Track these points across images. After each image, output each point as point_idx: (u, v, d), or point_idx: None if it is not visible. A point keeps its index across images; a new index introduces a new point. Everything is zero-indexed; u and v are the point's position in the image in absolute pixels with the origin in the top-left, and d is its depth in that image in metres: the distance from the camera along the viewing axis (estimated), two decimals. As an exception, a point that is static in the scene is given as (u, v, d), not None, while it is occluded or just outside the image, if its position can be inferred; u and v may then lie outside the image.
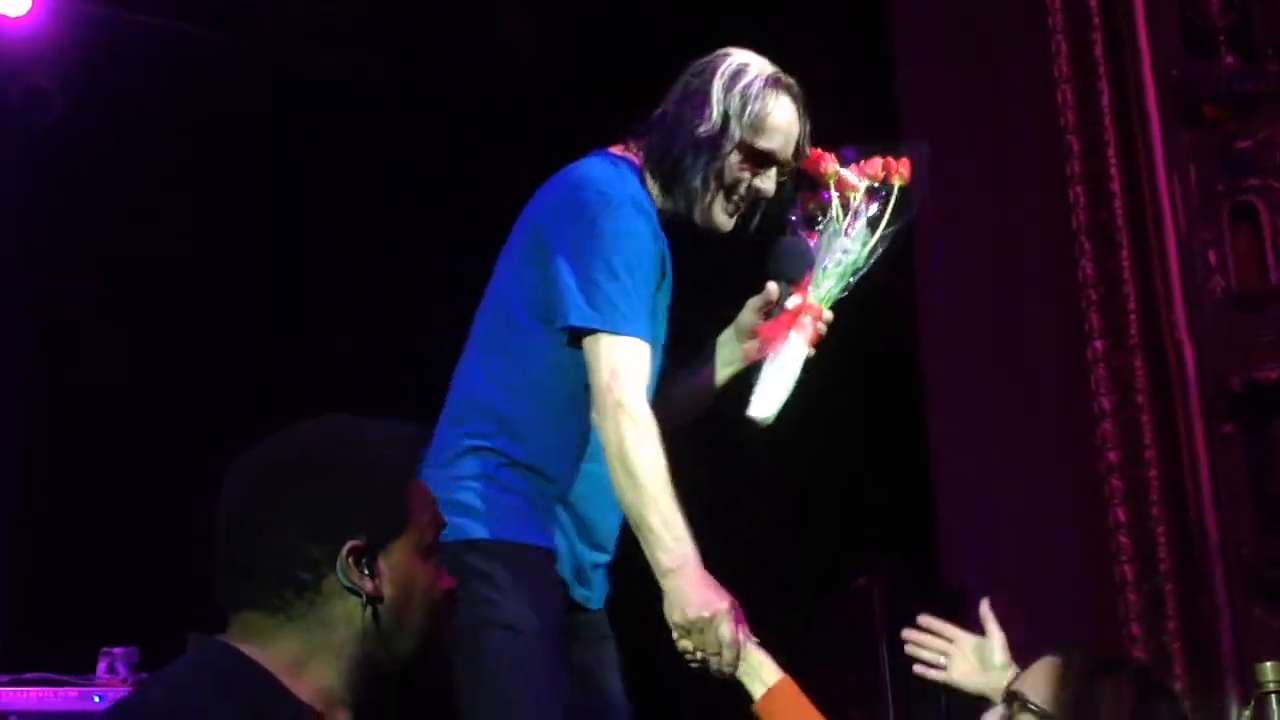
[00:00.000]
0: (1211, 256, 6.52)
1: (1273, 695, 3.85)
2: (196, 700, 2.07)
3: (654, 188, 3.25)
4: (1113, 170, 6.58)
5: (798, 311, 3.23)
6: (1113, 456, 6.45)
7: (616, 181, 3.16)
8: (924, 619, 3.18)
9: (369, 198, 7.12)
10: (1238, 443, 6.38)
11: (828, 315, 3.26)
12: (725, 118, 3.20)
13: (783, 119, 3.24)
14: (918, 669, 3.12)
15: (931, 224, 6.87)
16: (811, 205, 3.32)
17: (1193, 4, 6.57)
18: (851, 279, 3.25)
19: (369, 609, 2.14)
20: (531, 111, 7.24)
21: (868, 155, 3.30)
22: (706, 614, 2.88)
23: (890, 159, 3.30)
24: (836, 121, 7.16)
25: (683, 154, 3.19)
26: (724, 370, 3.38)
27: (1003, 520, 6.50)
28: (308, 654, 2.13)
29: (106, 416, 6.35)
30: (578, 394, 3.07)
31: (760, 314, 3.32)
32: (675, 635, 2.91)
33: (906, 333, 7.00)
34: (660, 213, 3.23)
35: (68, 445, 6.33)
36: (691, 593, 2.87)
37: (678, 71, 3.40)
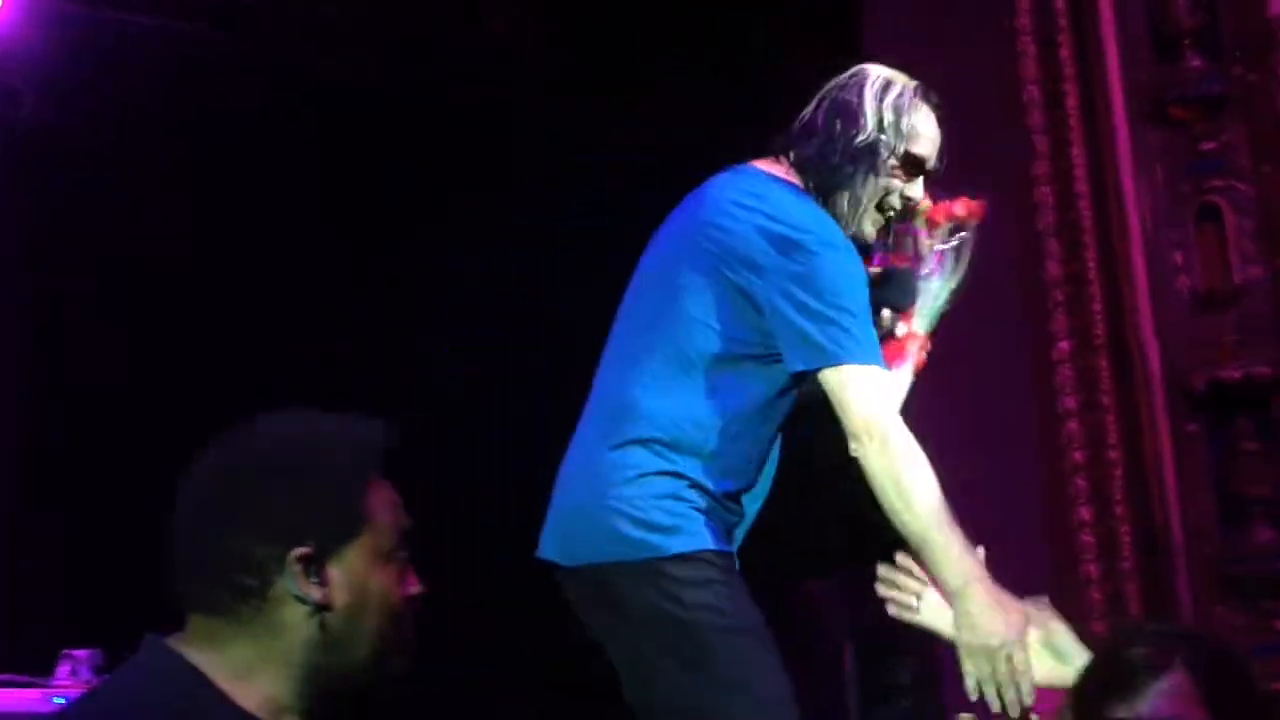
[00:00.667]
0: (1177, 257, 6.55)
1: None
2: (129, 706, 2.03)
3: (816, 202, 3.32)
4: (1079, 171, 6.60)
5: (907, 340, 3.43)
6: (1078, 456, 6.47)
7: (818, 216, 3.22)
8: (900, 558, 3.18)
9: (368, 197, 7.11)
10: (1201, 442, 6.42)
11: (928, 344, 3.45)
12: (881, 128, 3.32)
13: (931, 128, 3.42)
14: (891, 610, 3.11)
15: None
16: (897, 239, 3.46)
17: (1160, 6, 6.60)
18: (940, 314, 3.48)
19: (317, 617, 2.07)
20: (530, 111, 7.24)
21: (950, 196, 3.48)
22: (994, 643, 2.98)
23: (966, 200, 3.50)
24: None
25: (843, 164, 3.29)
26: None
27: (967, 520, 6.51)
28: (257, 660, 2.07)
29: (104, 416, 6.32)
30: (768, 429, 3.23)
31: None
32: (963, 657, 2.99)
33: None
34: None
35: (66, 445, 6.31)
36: (979, 617, 3.00)
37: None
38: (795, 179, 3.34)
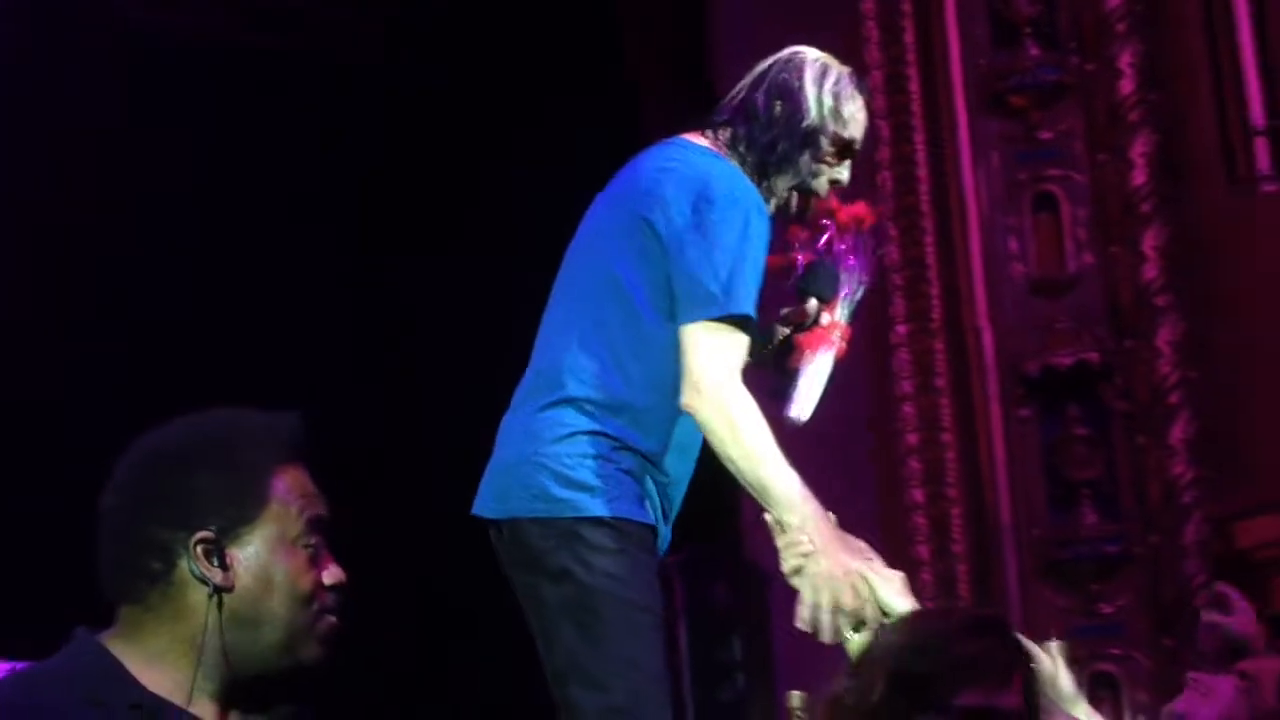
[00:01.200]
0: (1012, 244, 6.65)
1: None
2: (38, 689, 2.07)
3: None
4: (920, 157, 6.67)
5: (831, 328, 3.50)
6: (912, 439, 6.55)
7: (744, 186, 3.28)
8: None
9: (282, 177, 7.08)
10: (1033, 426, 6.53)
11: (849, 331, 3.53)
12: (822, 114, 3.37)
13: (863, 114, 3.46)
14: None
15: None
16: (807, 236, 3.56)
17: (1001, -7, 6.70)
18: (859, 298, 3.55)
19: (218, 600, 2.12)
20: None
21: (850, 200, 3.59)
22: (839, 572, 3.03)
23: (865, 204, 3.59)
24: (661, 109, 7.22)
25: (784, 146, 3.35)
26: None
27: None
28: (167, 645, 2.12)
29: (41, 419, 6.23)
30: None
31: (788, 326, 3.51)
32: (806, 587, 3.03)
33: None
34: None
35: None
36: (825, 548, 3.04)
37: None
38: (722, 151, 3.38)
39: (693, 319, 3.15)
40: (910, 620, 2.46)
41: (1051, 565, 6.42)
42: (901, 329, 6.63)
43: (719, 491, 6.62)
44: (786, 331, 3.51)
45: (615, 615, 3.10)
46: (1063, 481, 6.50)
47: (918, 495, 6.52)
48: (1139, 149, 6.53)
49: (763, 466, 3.07)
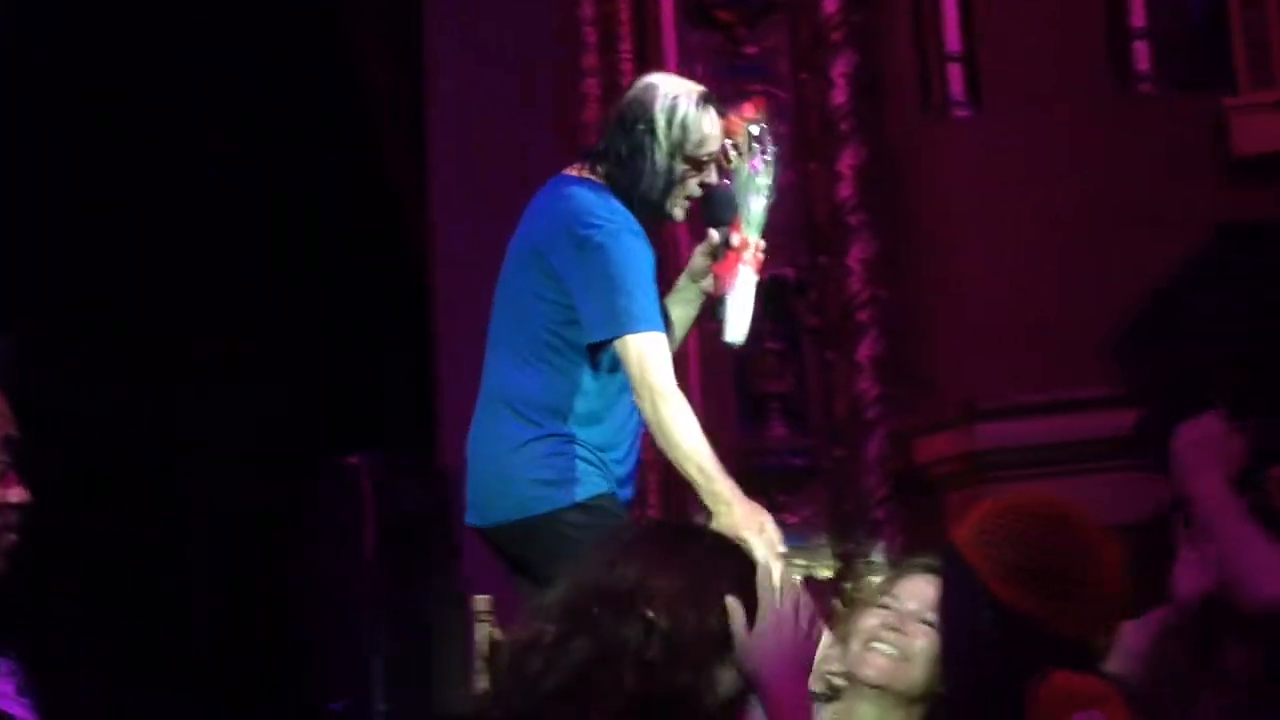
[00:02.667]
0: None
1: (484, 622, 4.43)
2: None
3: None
4: (625, 66, 6.66)
5: (741, 248, 3.82)
6: (607, 348, 6.57)
7: (608, 211, 3.73)
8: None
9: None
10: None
11: (762, 244, 3.86)
12: (673, 151, 3.76)
13: (714, 129, 3.80)
14: None
15: (445, 108, 6.85)
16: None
17: (714, -96, 6.70)
18: (767, 206, 3.86)
19: None
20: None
21: (737, 104, 3.90)
22: (755, 528, 3.58)
23: (751, 101, 3.96)
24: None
25: (647, 186, 3.77)
26: (688, 309, 3.99)
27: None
28: None
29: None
30: (620, 383, 3.74)
31: (708, 257, 3.88)
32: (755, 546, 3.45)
33: (416, 223, 6.98)
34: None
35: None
36: (744, 518, 3.59)
37: None
38: (598, 178, 3.82)
39: (596, 338, 3.68)
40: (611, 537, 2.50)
41: (741, 476, 6.49)
42: (601, 237, 6.63)
43: (412, 396, 6.62)
44: (705, 262, 3.89)
45: None
46: (753, 394, 6.59)
47: (612, 403, 6.55)
48: (840, 69, 6.62)
49: (704, 473, 3.63)
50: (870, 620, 2.95)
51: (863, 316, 6.52)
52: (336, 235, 7.23)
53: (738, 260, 3.85)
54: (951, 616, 2.60)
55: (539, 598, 2.34)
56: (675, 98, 3.78)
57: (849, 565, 6.34)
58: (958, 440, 6.27)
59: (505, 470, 3.74)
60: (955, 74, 6.74)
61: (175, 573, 7.27)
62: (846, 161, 6.59)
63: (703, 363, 6.56)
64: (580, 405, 3.74)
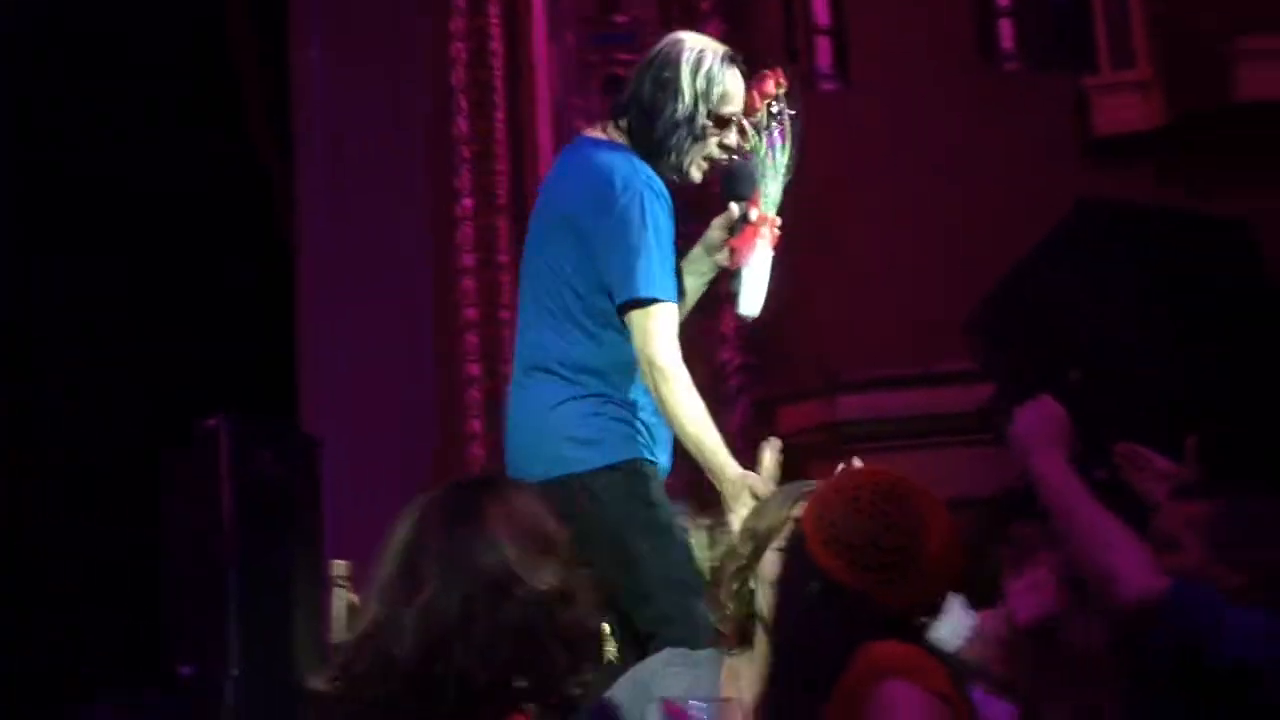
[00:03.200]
0: (580, 125, 6.68)
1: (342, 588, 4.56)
2: None
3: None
4: (495, 30, 6.63)
5: (759, 223, 3.86)
6: (471, 313, 6.56)
7: (632, 172, 3.76)
8: None
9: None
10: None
11: (778, 220, 3.89)
12: (696, 100, 3.80)
13: (738, 87, 3.84)
14: None
15: (312, 80, 6.77)
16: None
17: None
18: (785, 183, 3.90)
19: None
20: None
21: (757, 78, 3.88)
22: (746, 502, 3.62)
23: (767, 73, 3.89)
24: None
25: (666, 136, 3.80)
26: (700, 280, 4.01)
27: (363, 370, 6.52)
28: None
29: None
30: None
31: (725, 231, 3.90)
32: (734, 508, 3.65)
33: (280, 190, 6.91)
34: None
35: None
36: (736, 486, 3.66)
37: None
38: (620, 138, 3.83)
39: (628, 307, 3.71)
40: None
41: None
42: (467, 203, 6.61)
43: (274, 359, 6.53)
44: (722, 235, 3.91)
45: (639, 541, 3.67)
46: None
47: (474, 369, 6.54)
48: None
49: (703, 446, 3.70)
50: (773, 564, 2.98)
51: (725, 286, 6.54)
52: (201, 204, 7.13)
53: (755, 235, 3.90)
54: (785, 583, 2.62)
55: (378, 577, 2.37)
56: (701, 50, 3.85)
57: (710, 534, 6.37)
58: (820, 410, 6.32)
59: (542, 428, 3.80)
60: (823, 47, 6.78)
61: (34, 537, 7.17)
62: (714, 131, 6.60)
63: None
64: (615, 364, 3.80)
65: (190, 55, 7.15)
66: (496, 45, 6.67)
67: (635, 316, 3.72)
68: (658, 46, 3.89)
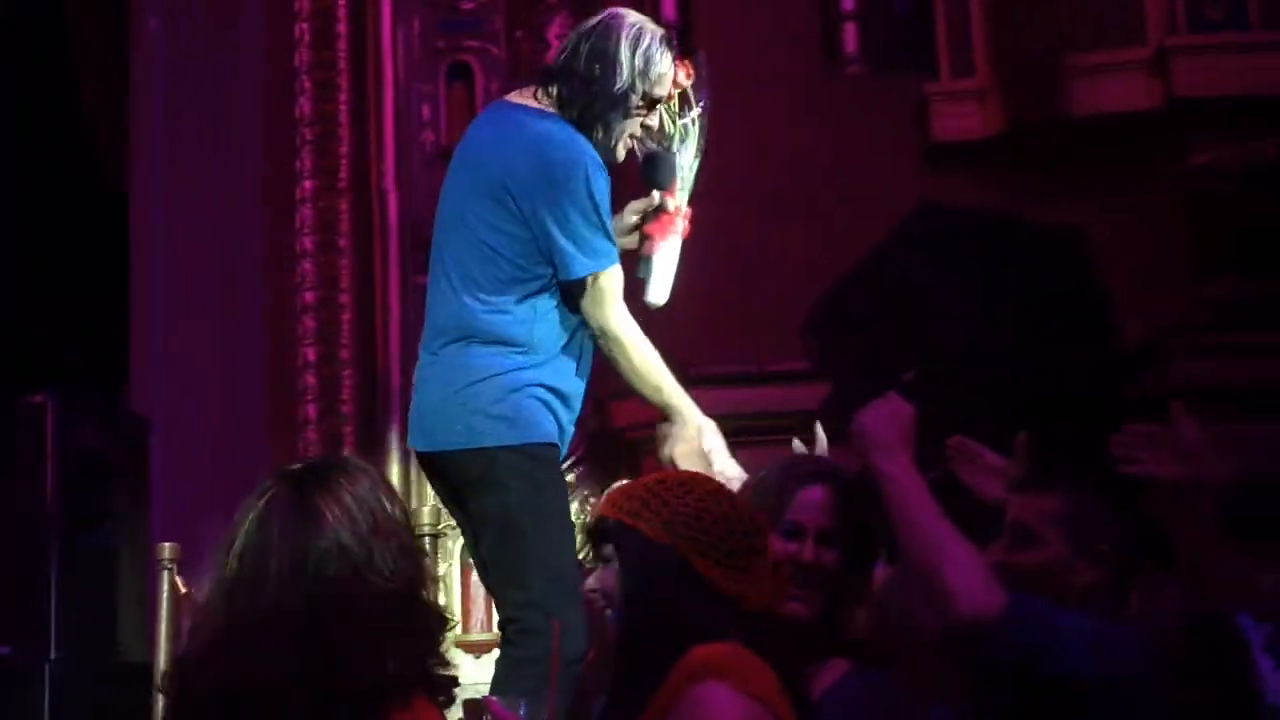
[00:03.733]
0: (425, 110, 6.66)
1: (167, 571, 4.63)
2: None
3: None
4: (341, 12, 6.58)
5: (675, 213, 3.92)
6: (308, 296, 6.50)
7: (572, 143, 3.79)
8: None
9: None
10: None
11: (688, 210, 3.96)
12: (634, 77, 3.83)
13: (670, 71, 3.89)
14: None
15: (152, 54, 6.66)
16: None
17: None
18: (696, 173, 3.96)
19: None
20: None
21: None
22: (700, 443, 3.83)
23: (679, 64, 3.91)
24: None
25: (603, 110, 3.83)
26: None
27: (197, 350, 6.44)
28: None
29: None
30: (577, 321, 3.85)
31: (640, 216, 3.95)
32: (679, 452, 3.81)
33: (113, 162, 6.78)
34: None
35: None
36: (691, 429, 3.84)
37: None
38: (549, 106, 3.85)
39: (576, 275, 3.75)
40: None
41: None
42: (308, 185, 6.55)
43: (103, 335, 6.41)
44: (636, 220, 3.95)
45: (530, 526, 3.70)
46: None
47: (311, 354, 6.48)
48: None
49: (662, 392, 3.83)
50: None
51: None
52: (31, 173, 6.98)
53: (670, 224, 3.95)
54: (644, 574, 2.60)
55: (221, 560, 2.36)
56: (640, 28, 3.87)
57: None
58: (650, 408, 6.34)
59: (464, 399, 3.78)
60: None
61: None
62: (560, 123, 6.61)
63: (405, 316, 6.53)
64: (544, 339, 3.82)
65: (29, 25, 6.99)
66: (342, 27, 6.62)
67: (586, 287, 3.77)
68: (596, 18, 3.89)
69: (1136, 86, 6.31)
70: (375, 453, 6.41)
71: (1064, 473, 3.03)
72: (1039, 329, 4.29)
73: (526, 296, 3.80)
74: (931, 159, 6.56)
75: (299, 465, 2.45)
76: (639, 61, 3.84)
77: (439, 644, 2.33)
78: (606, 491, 2.69)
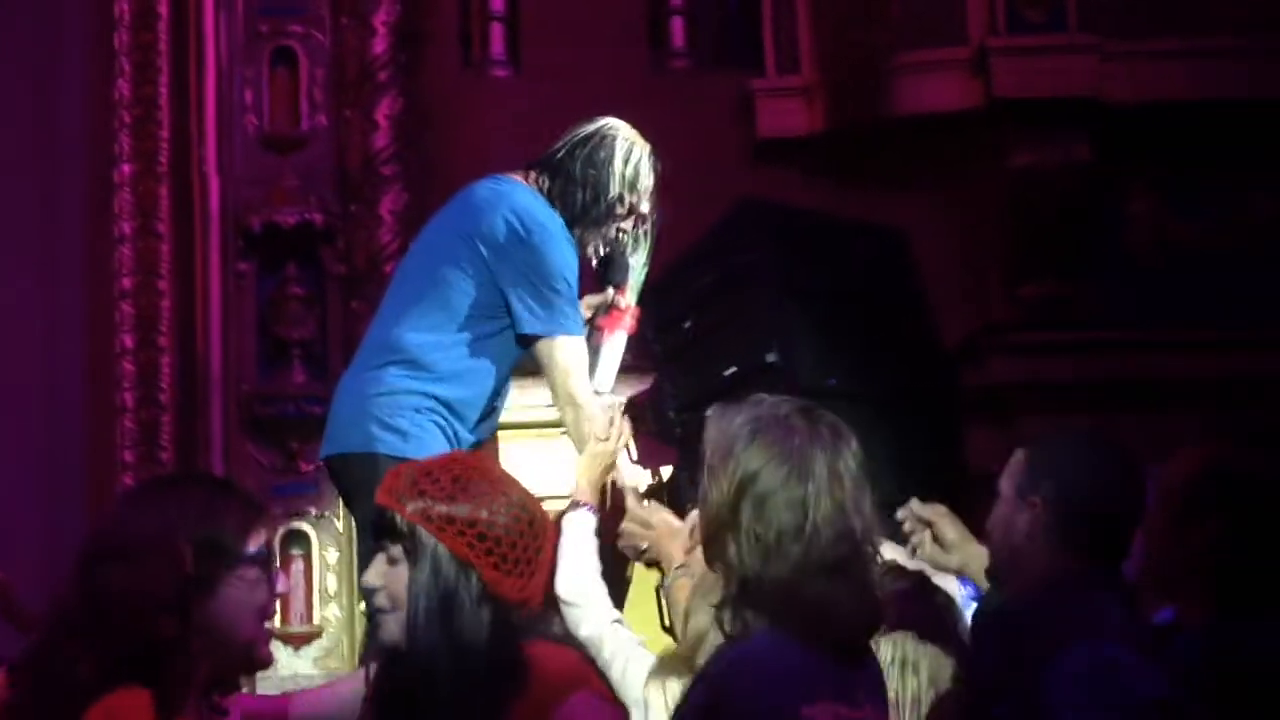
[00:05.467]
0: (248, 95, 6.58)
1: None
2: None
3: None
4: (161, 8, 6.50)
5: (625, 310, 4.19)
6: (126, 282, 6.40)
7: (548, 216, 4.06)
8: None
9: None
10: (251, 281, 6.52)
11: (637, 310, 4.21)
12: (622, 189, 4.14)
13: (652, 184, 4.21)
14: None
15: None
16: None
17: None
18: (644, 276, 4.22)
19: None
20: None
21: None
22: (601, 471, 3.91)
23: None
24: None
25: (588, 210, 4.12)
26: None
27: (13, 337, 6.33)
28: None
29: None
30: (502, 370, 4.07)
31: (593, 310, 4.19)
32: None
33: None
34: None
35: None
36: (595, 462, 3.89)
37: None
38: (540, 192, 4.11)
39: (529, 331, 3.99)
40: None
41: (256, 421, 6.44)
42: (126, 168, 6.44)
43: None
44: (589, 315, 4.18)
45: None
46: (275, 339, 6.52)
47: (128, 341, 6.38)
48: (382, 17, 6.60)
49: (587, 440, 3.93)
50: None
51: (390, 267, 6.51)
52: None
53: (619, 319, 4.21)
54: (436, 582, 2.51)
55: None
56: (633, 144, 4.19)
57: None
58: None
59: (366, 408, 3.98)
60: (497, 33, 6.80)
61: None
62: (383, 111, 6.58)
63: (225, 305, 6.46)
64: (458, 370, 4.03)
65: None
66: (162, 9, 6.52)
67: (553, 349, 3.99)
68: (592, 126, 4.22)
69: (957, 86, 6.41)
70: (193, 443, 6.33)
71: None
72: (863, 325, 4.36)
73: (463, 339, 4.04)
74: (757, 155, 6.62)
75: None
76: (630, 174, 4.16)
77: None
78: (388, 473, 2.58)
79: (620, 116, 4.17)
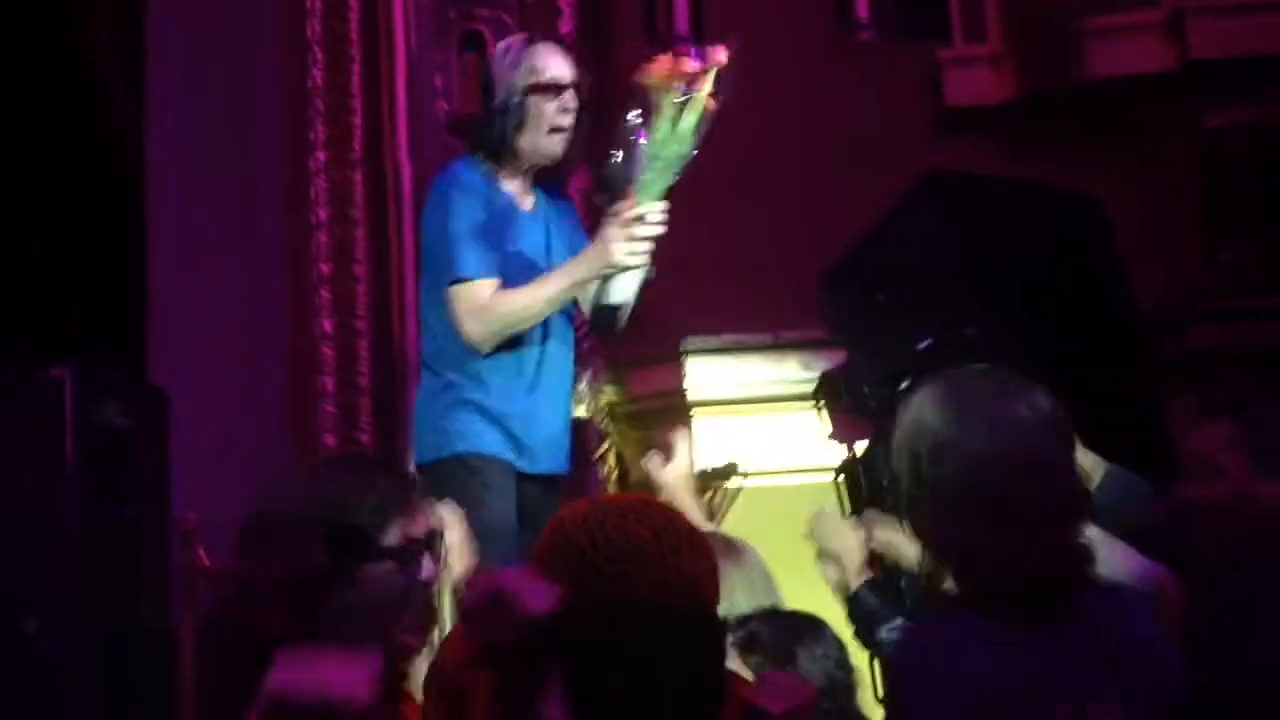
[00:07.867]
0: (438, 80, 6.65)
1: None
2: None
3: (487, 162, 4.41)
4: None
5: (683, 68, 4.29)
6: (325, 268, 6.50)
7: (440, 178, 4.42)
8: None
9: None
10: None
11: (658, 207, 4.30)
12: (508, 88, 4.32)
13: (548, 56, 4.38)
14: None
15: (163, 22, 6.65)
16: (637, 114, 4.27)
17: None
18: (680, 166, 4.25)
19: None
20: None
21: (675, 57, 4.21)
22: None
23: (678, 52, 4.29)
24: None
25: (493, 129, 4.34)
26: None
27: (216, 323, 6.45)
28: None
29: None
30: (522, 344, 4.37)
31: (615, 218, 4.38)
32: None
33: (130, 130, 6.77)
34: (512, 170, 4.42)
35: None
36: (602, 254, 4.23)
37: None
38: (468, 147, 4.45)
39: (443, 286, 4.26)
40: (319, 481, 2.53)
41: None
42: (321, 156, 6.54)
43: (123, 303, 6.40)
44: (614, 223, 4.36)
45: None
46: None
47: (327, 325, 6.49)
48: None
49: (548, 298, 4.22)
50: None
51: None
52: (46, 141, 6.97)
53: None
54: None
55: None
56: (506, 47, 4.41)
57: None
58: (669, 375, 6.35)
59: (423, 417, 4.35)
60: (681, 8, 6.80)
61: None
62: (571, 89, 6.59)
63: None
64: (466, 359, 4.26)
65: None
66: (353, 4, 6.61)
67: (449, 302, 4.21)
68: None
69: (1151, 49, 6.29)
70: (392, 426, 6.42)
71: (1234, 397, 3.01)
72: (1058, 295, 4.30)
73: (440, 323, 4.33)
74: (944, 125, 6.55)
75: None
76: (507, 73, 4.32)
77: None
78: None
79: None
